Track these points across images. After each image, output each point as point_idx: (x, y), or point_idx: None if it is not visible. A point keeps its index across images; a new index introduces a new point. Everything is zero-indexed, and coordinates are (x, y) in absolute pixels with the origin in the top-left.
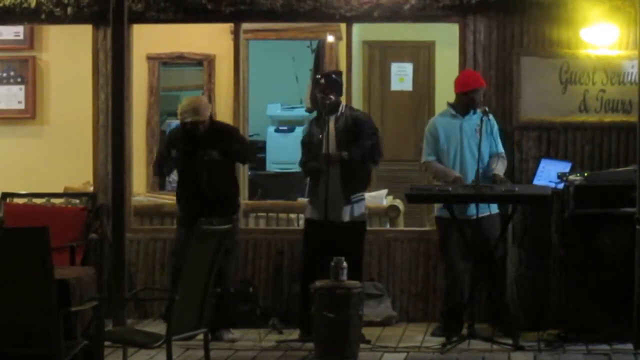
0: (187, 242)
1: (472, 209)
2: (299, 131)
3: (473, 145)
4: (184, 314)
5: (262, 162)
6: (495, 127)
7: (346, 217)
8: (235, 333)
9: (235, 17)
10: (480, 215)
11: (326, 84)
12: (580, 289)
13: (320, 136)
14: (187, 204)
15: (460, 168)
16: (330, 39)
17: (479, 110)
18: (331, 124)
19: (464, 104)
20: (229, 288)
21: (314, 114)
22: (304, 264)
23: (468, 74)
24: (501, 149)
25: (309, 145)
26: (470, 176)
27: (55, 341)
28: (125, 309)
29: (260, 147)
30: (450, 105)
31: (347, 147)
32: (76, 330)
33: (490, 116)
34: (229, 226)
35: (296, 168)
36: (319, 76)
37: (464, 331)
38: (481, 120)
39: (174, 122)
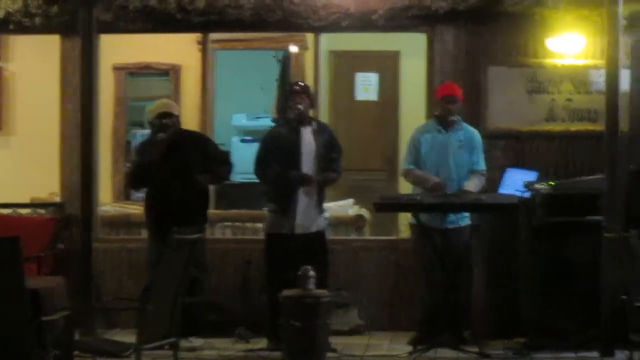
0: (155, 257)
1: (443, 219)
2: None
3: (452, 161)
4: (155, 323)
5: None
6: (479, 145)
7: (315, 228)
8: (198, 341)
9: (204, 27)
10: (450, 226)
11: (297, 93)
12: (548, 298)
13: (296, 146)
14: (158, 215)
15: None
16: (295, 49)
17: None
18: (309, 137)
19: (441, 113)
20: (206, 298)
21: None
22: (269, 275)
23: (447, 82)
24: (481, 167)
25: (276, 151)
26: (449, 190)
27: (28, 351)
28: (95, 319)
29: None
30: (435, 117)
31: (323, 163)
32: (47, 340)
33: (475, 132)
34: (199, 235)
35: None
36: (291, 84)
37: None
38: (446, 129)
39: (140, 133)
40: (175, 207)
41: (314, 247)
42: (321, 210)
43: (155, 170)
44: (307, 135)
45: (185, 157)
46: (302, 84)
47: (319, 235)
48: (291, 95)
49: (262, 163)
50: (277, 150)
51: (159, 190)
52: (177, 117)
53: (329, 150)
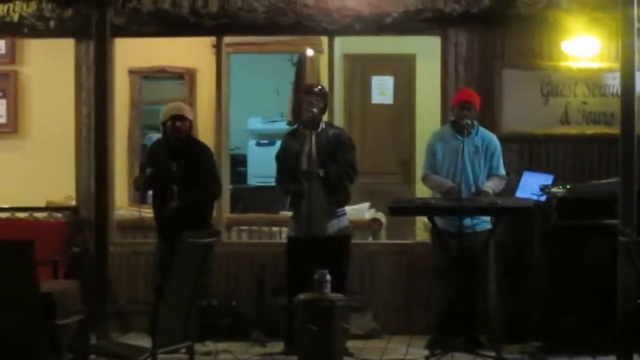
0: (160, 256)
1: (459, 223)
2: None
3: (468, 167)
4: (169, 326)
5: (244, 176)
6: (498, 150)
7: (331, 231)
8: (212, 346)
9: (217, 31)
10: (466, 231)
11: (314, 94)
12: (563, 301)
13: (300, 150)
14: (160, 218)
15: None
16: (310, 52)
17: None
18: (312, 139)
19: (455, 118)
20: (210, 301)
21: (292, 127)
22: (288, 279)
23: (465, 89)
24: (501, 171)
25: (285, 160)
26: (465, 195)
27: (42, 355)
28: (109, 322)
29: (242, 161)
30: (452, 123)
31: (326, 163)
32: (61, 344)
33: (493, 137)
34: (213, 239)
35: None
36: (308, 86)
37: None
38: (461, 135)
39: (156, 136)
40: (176, 212)
41: (333, 250)
42: (335, 213)
43: (158, 174)
44: (313, 139)
45: (187, 165)
46: (320, 86)
47: (340, 238)
48: (307, 96)
49: (278, 177)
50: (283, 158)
51: (162, 194)
52: (190, 121)
53: (335, 151)
